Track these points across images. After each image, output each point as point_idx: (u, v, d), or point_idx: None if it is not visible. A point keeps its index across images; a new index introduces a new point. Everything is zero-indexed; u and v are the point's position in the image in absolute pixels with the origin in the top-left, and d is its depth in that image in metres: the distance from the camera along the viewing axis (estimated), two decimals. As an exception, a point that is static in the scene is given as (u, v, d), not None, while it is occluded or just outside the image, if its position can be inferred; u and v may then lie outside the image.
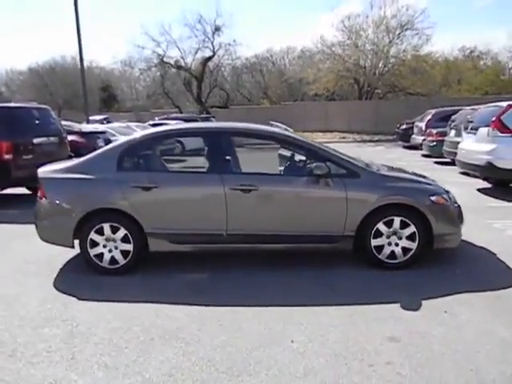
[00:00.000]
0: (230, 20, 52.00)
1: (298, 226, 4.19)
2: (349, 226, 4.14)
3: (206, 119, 23.05)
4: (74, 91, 35.87)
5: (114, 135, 12.14)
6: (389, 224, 4.15)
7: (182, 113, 31.43)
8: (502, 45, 51.57)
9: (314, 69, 30.13)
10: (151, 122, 18.16)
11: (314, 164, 4.06)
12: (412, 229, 4.13)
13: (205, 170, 4.38)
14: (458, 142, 9.69)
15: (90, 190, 4.21)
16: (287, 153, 4.73)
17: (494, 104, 8.26)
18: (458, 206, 4.44)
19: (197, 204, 4.20)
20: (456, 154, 9.84)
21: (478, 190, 8.24)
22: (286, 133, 4.40)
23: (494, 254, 4.58)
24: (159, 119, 20.60)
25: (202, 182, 4.23)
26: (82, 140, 10.66)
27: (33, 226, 4.43)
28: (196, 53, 32.51)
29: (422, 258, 4.24)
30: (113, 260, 4.24)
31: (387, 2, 28.66)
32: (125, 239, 4.19)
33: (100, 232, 4.20)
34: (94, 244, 4.22)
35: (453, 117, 11.91)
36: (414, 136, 15.96)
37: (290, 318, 3.28)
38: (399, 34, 28.54)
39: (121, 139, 4.63)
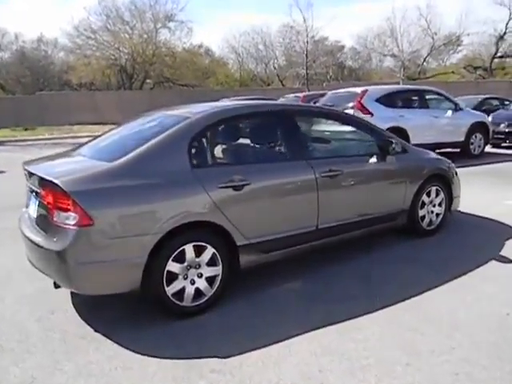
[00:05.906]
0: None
1: (374, 208, 4.01)
2: (406, 201, 4.25)
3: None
4: None
5: None
6: (429, 194, 4.47)
7: None
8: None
9: (78, 55, 26.99)
10: None
11: (394, 141, 3.95)
12: (442, 195, 4.58)
13: (287, 156, 3.58)
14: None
15: (163, 199, 2.84)
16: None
17: (345, 90, 9.65)
18: None
19: (290, 199, 3.44)
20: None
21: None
22: (349, 113, 4.07)
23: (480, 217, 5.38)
24: None
25: (293, 171, 3.46)
26: None
27: None
28: None
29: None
30: (198, 293, 3.03)
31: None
32: (211, 261, 3.06)
33: (179, 259, 2.92)
34: (172, 278, 2.91)
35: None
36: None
37: (452, 301, 3.18)
38: (164, 24, 28.69)
39: (176, 121, 3.14)
